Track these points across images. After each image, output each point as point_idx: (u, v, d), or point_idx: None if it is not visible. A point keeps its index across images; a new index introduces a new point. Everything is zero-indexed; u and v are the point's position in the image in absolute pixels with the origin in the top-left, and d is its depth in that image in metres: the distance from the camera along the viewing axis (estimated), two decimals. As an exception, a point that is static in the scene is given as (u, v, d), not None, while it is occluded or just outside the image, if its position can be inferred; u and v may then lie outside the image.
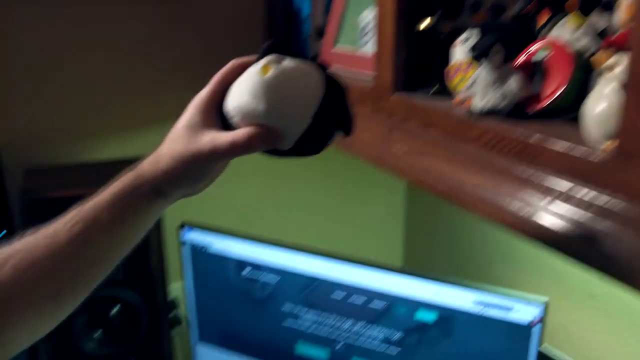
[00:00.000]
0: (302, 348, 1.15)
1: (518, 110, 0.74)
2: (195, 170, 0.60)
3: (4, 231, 1.10)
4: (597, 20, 0.72)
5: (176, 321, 1.39)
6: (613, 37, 0.69)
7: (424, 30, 0.89)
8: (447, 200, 0.76)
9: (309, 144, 0.60)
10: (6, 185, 1.08)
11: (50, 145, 1.26)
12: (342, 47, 1.16)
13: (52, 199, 1.01)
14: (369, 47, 1.08)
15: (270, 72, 0.56)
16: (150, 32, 1.28)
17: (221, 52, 1.35)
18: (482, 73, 0.75)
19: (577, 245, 0.60)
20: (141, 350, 1.16)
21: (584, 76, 0.72)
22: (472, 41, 0.80)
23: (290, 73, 0.57)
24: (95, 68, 1.26)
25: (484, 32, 0.76)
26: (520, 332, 0.93)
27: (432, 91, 0.89)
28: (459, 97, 0.84)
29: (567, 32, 0.76)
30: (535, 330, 0.92)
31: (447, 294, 0.98)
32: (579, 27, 0.75)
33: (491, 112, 0.74)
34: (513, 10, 0.82)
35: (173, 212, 0.91)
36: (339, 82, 0.61)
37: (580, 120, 0.65)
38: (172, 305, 1.38)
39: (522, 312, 0.93)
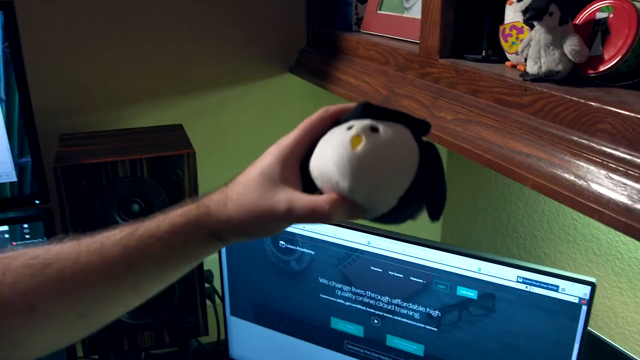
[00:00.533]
0: (337, 323, 1.12)
1: (575, 75, 0.69)
2: (264, 226, 0.56)
3: (38, 199, 1.10)
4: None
5: (210, 293, 1.37)
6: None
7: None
8: (496, 170, 0.71)
9: (392, 219, 0.55)
10: (41, 152, 1.07)
11: (86, 112, 1.26)
12: (386, 11, 1.11)
13: (84, 166, 0.99)
14: (414, 11, 1.03)
15: (361, 147, 0.50)
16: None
17: (262, 21, 1.31)
18: (536, 35, 0.70)
19: (635, 220, 0.55)
20: (174, 322, 1.14)
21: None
22: (527, 2, 0.74)
23: (382, 149, 0.51)
24: (133, 36, 1.24)
25: (538, -8, 0.71)
26: (567, 312, 0.88)
27: (481, 55, 0.83)
28: (512, 60, 0.79)
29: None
30: (584, 310, 0.87)
31: (490, 271, 0.93)
32: (645, -16, 0.69)
33: (546, 77, 0.69)
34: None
35: (208, 181, 0.89)
36: (436, 155, 0.54)
37: (645, 84, 0.59)
38: (206, 277, 1.37)
39: (570, 291, 0.88)
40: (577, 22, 0.71)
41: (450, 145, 0.79)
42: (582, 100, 0.62)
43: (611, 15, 0.68)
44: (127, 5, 1.22)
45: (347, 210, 0.52)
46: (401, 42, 1.03)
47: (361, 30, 1.17)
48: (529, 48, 0.71)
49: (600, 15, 0.69)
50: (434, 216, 0.54)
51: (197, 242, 0.56)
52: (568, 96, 0.64)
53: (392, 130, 0.52)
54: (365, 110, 0.54)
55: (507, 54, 0.79)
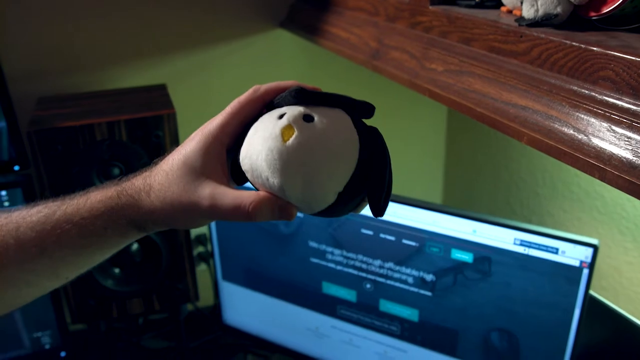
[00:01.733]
0: (329, 288, 1.08)
1: (575, 18, 0.63)
2: (187, 220, 0.52)
3: (17, 165, 1.05)
4: None
5: (205, 257, 1.34)
6: None
7: None
8: (488, 125, 0.66)
9: (330, 215, 0.49)
10: (17, 116, 1.02)
11: (67, 74, 1.20)
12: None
13: (60, 129, 0.94)
14: (405, -44, 0.96)
15: (292, 140, 0.45)
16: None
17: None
18: (533, -26, 0.63)
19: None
20: (163, 288, 1.11)
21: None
22: (523, -63, 0.68)
23: (316, 142, 0.46)
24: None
25: None
26: (567, 276, 0.84)
27: (475, 1, 0.77)
28: (507, 5, 0.72)
29: None
30: (585, 274, 0.83)
31: (486, 233, 0.88)
32: None
33: (544, 21, 0.63)
34: None
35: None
36: (380, 143, 0.49)
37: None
38: (201, 241, 1.34)
39: (570, 254, 0.83)
40: (578, -41, 0.64)
41: (441, 98, 0.73)
42: (582, 46, 0.56)
43: (616, -49, 0.61)
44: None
45: (276, 210, 0.48)
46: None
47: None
48: (526, -10, 0.65)
49: (604, -50, 0.62)
50: (376, 212, 0.48)
51: (116, 231, 0.53)
52: (567, 41, 0.58)
53: (328, 119, 0.47)
54: (298, 96, 0.48)
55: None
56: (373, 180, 0.48)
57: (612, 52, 0.53)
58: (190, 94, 1.26)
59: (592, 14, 0.62)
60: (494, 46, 0.68)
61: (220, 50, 1.28)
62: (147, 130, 0.97)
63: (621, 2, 0.59)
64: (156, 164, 0.53)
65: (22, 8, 1.12)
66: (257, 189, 0.49)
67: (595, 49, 0.55)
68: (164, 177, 0.51)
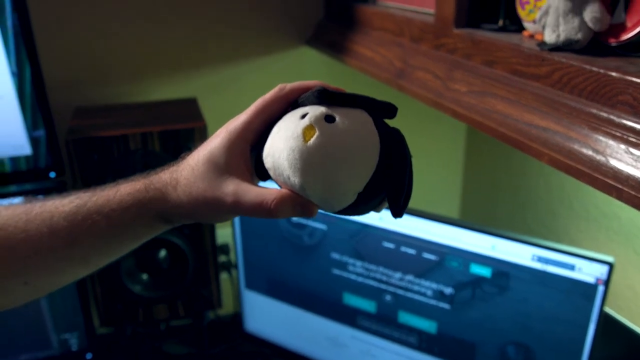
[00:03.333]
0: (349, 299, 1.11)
1: (596, 44, 0.66)
2: (212, 215, 0.54)
3: (54, 172, 1.09)
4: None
5: (227, 266, 1.37)
6: None
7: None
8: (510, 144, 0.69)
9: (351, 214, 0.51)
10: (55, 125, 1.06)
11: (102, 85, 1.25)
12: (402, -19, 1.07)
13: (96, 139, 0.99)
14: (431, -20, 0.99)
15: (313, 140, 0.46)
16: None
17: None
18: (555, 1, 0.66)
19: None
20: (188, 294, 1.14)
21: (676, 5, 0.63)
22: (546, -34, 0.71)
23: (337, 142, 0.46)
24: (147, 7, 1.22)
25: (560, -45, 0.67)
26: (583, 292, 0.86)
27: (498, 25, 0.80)
28: (529, 29, 0.75)
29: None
30: (600, 291, 0.85)
31: (505, 248, 0.91)
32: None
33: (565, 46, 0.66)
34: None
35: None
36: (401, 144, 0.50)
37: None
38: (223, 250, 1.37)
39: (586, 270, 0.85)
40: (599, -12, 0.67)
41: (464, 118, 0.76)
42: (602, 71, 0.59)
43: (635, -19, 0.64)
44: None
45: (297, 207, 0.49)
46: (417, 13, 1.00)
47: (378, 2, 1.14)
48: (547, 16, 0.68)
49: (623, -20, 0.65)
50: (396, 213, 0.49)
51: (144, 223, 0.55)
52: (587, 66, 0.61)
53: (350, 119, 0.48)
54: (321, 96, 0.49)
55: (524, 22, 0.76)
56: (393, 181, 0.48)
57: (631, 78, 0.56)
58: (219, 107, 1.29)
59: (612, 40, 0.65)
60: (517, 69, 0.71)
61: (248, 66, 1.32)
62: (179, 141, 1.01)
63: (637, 32, 0.62)
64: (183, 158, 0.55)
65: (62, 21, 1.17)
66: (279, 186, 0.50)
67: (614, 74, 0.58)
68: (190, 172, 0.53)
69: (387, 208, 0.51)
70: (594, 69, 0.60)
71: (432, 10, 0.90)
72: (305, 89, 0.53)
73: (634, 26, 0.63)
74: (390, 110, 0.52)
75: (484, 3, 0.83)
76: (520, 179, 1.36)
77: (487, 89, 0.75)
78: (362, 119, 0.49)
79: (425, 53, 0.90)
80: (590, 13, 0.64)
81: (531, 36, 0.75)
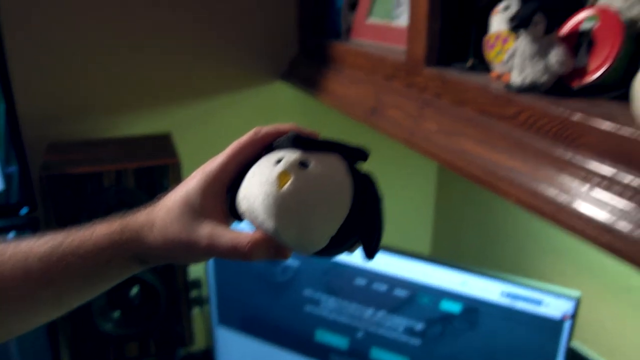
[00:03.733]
0: (322, 335, 1.11)
1: (560, 86, 0.67)
2: (187, 256, 0.54)
3: (26, 207, 1.08)
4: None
5: (199, 302, 1.36)
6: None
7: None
8: (479, 184, 0.70)
9: (324, 256, 0.51)
10: (28, 160, 1.06)
11: (75, 120, 1.24)
12: (375, 20, 1.10)
13: (70, 175, 0.98)
14: (402, 19, 1.02)
15: (287, 186, 0.47)
16: (184, 8, 1.24)
17: (253, 29, 1.30)
18: (521, 45, 0.68)
19: (617, 238, 0.53)
20: (160, 331, 1.13)
21: (634, 49, 0.65)
22: (512, 10, 0.73)
23: (311, 188, 0.48)
24: (121, 43, 1.22)
25: (524, 0, 0.69)
26: (550, 328, 0.87)
27: (467, 65, 0.82)
28: (497, 70, 0.77)
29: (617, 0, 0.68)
30: (566, 326, 0.86)
31: (474, 285, 0.92)
32: (633, -6, 0.67)
33: (531, 88, 0.68)
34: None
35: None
36: (373, 188, 0.51)
37: (629, 98, 0.58)
38: (195, 285, 1.36)
39: (553, 306, 0.86)
40: (562, 31, 0.69)
41: (435, 157, 0.77)
42: (565, 113, 0.61)
43: (596, 26, 0.66)
44: (115, 13, 1.20)
45: (271, 251, 0.50)
46: (390, 50, 1.02)
47: (351, 39, 1.16)
48: (514, 58, 0.69)
49: (585, 25, 0.68)
50: (369, 254, 0.50)
51: (120, 264, 0.55)
52: (552, 108, 0.63)
53: (323, 165, 0.49)
54: (295, 141, 0.51)
55: (491, 64, 0.77)
56: (365, 225, 0.50)
57: (593, 120, 0.58)
58: (194, 142, 1.29)
59: (576, 83, 0.67)
60: (485, 109, 0.73)
61: (223, 101, 1.33)
62: (153, 178, 1.01)
63: (602, 73, 0.64)
64: (159, 200, 0.55)
65: (36, 56, 1.17)
66: (255, 228, 0.51)
67: (577, 116, 0.60)
68: (165, 214, 0.53)
69: (359, 249, 0.51)
70: (558, 111, 0.62)
71: (404, 48, 0.92)
72: (279, 133, 0.54)
73: (596, 69, 0.65)
74: (362, 154, 0.53)
75: (454, 43, 0.85)
76: (489, 216, 1.37)
77: (457, 128, 0.76)
78: (335, 164, 0.50)
79: (397, 91, 0.91)
80: (555, 57, 0.66)
81: (499, 77, 0.77)
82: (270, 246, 0.50)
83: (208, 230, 0.51)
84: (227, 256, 0.51)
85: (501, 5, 0.75)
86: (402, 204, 1.56)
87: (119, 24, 1.21)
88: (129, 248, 0.54)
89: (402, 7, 1.02)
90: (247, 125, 1.36)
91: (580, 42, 0.67)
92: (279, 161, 0.49)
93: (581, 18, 0.68)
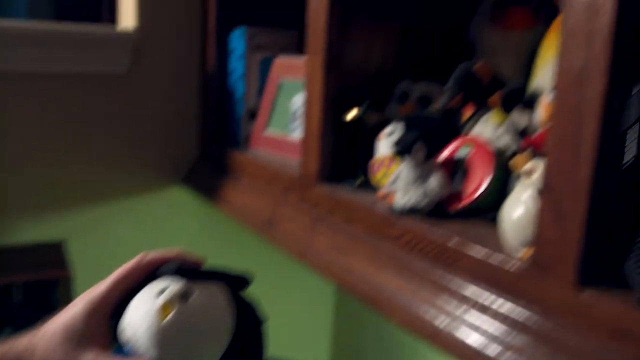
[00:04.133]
0: None
1: (439, 209, 0.72)
2: None
3: None
4: (519, 118, 0.71)
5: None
6: (532, 137, 0.68)
7: (350, 120, 0.87)
8: (367, 303, 0.72)
9: None
10: None
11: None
12: (273, 131, 1.13)
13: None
14: (298, 133, 1.05)
15: (169, 318, 0.49)
16: (79, 111, 1.23)
17: (154, 133, 1.30)
18: (404, 169, 0.73)
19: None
20: None
21: (504, 176, 0.71)
22: (396, 135, 0.78)
23: (192, 319, 0.50)
24: (14, 144, 1.19)
25: (407, 128, 0.74)
26: None
27: (356, 183, 0.86)
28: (382, 191, 0.81)
29: (489, 128, 0.75)
30: None
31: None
32: (500, 124, 0.74)
33: (412, 211, 0.72)
34: (439, 103, 0.80)
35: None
36: (255, 315, 0.54)
37: (500, 223, 0.62)
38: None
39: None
40: (441, 158, 0.74)
41: (326, 274, 0.79)
42: (444, 237, 0.65)
43: (470, 154, 0.72)
44: (5, 115, 1.17)
45: None
46: (286, 163, 1.05)
47: (250, 148, 1.18)
48: (397, 182, 0.73)
49: (461, 152, 0.73)
50: None
51: None
52: (432, 231, 0.66)
53: (205, 295, 0.51)
54: (179, 271, 0.52)
55: (378, 186, 0.81)
56: (248, 350, 0.52)
57: (468, 247, 0.62)
58: (90, 249, 1.26)
59: (453, 207, 0.71)
60: (372, 229, 0.76)
61: (121, 206, 1.31)
62: (43, 292, 0.98)
63: (476, 198, 0.69)
64: (42, 325, 0.54)
65: None
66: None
67: (454, 241, 0.63)
68: (48, 340, 0.52)
69: None
70: (437, 235, 0.66)
71: (299, 161, 0.95)
72: (165, 260, 0.55)
73: (471, 195, 0.69)
74: (245, 281, 0.55)
75: (345, 161, 0.89)
76: (389, 332, 1.39)
77: (347, 246, 0.79)
78: (217, 293, 0.52)
79: (292, 205, 0.94)
80: (434, 182, 0.70)
81: (384, 197, 0.81)
82: None
83: (91, 357, 0.51)
84: None
85: (386, 131, 0.80)
86: (300, 318, 1.55)
87: (8, 127, 1.18)
88: None
89: (297, 122, 1.07)
90: (145, 232, 1.35)
91: (457, 168, 0.72)
92: (162, 291, 0.51)
93: (457, 146, 0.74)
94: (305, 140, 0.90)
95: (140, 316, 0.50)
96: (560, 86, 0.51)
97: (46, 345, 0.52)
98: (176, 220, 1.37)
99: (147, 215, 1.33)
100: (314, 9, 0.86)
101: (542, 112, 0.69)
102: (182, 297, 0.50)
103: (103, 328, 0.53)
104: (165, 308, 0.49)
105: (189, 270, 0.53)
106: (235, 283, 0.54)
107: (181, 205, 1.36)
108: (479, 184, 0.69)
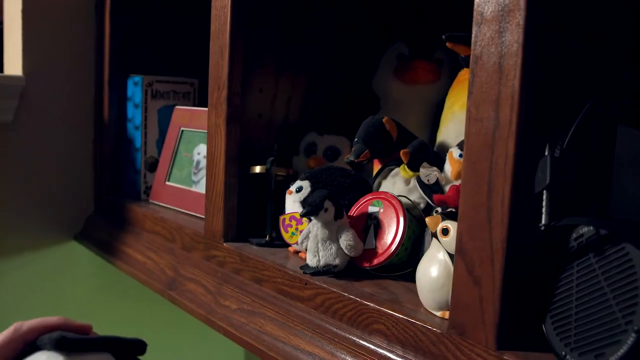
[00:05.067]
0: None
1: (353, 267, 0.70)
2: None
3: None
4: (427, 173, 0.71)
5: None
6: (443, 194, 0.68)
7: (257, 174, 0.84)
8: (280, 369, 0.68)
9: None
10: None
11: None
12: (174, 183, 1.08)
13: None
14: (201, 185, 1.02)
15: None
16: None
17: (46, 184, 1.22)
18: (314, 229, 0.70)
19: None
20: None
21: (417, 231, 0.70)
22: (305, 193, 0.76)
23: None
24: None
25: (314, 186, 0.72)
26: None
27: (265, 240, 0.83)
28: (293, 247, 0.79)
29: (399, 184, 0.74)
30: None
31: None
32: (410, 178, 0.73)
33: (324, 271, 0.69)
34: (347, 158, 0.79)
35: None
36: None
37: (416, 282, 0.61)
38: None
39: None
40: (352, 214, 0.73)
41: (235, 338, 0.75)
42: (358, 299, 0.63)
43: (381, 210, 0.71)
44: None
45: None
46: (189, 216, 1.00)
47: (150, 201, 1.13)
48: (308, 240, 0.71)
49: (372, 209, 0.72)
50: None
51: None
52: (345, 293, 0.64)
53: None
54: (59, 345, 0.49)
55: (288, 242, 0.79)
56: None
57: (383, 308, 0.60)
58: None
59: (366, 265, 0.69)
60: (283, 289, 0.73)
61: (12, 262, 1.21)
62: None
63: (389, 256, 0.68)
64: None
65: None
66: None
67: (369, 303, 0.62)
68: None
69: None
70: (351, 296, 0.64)
71: (203, 216, 0.91)
72: (45, 329, 0.52)
73: (384, 252, 0.68)
74: (140, 347, 0.52)
75: (252, 217, 0.86)
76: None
77: (256, 307, 0.75)
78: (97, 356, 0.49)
79: (196, 263, 0.89)
80: (345, 241, 0.68)
81: (296, 252, 0.78)
82: None
83: None
84: None
85: (294, 187, 0.77)
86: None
87: None
88: None
89: (200, 173, 1.03)
90: (38, 290, 1.25)
91: (368, 225, 0.71)
92: None
93: (367, 202, 0.72)
94: (209, 196, 0.86)
95: None
96: (471, 150, 0.51)
97: None
98: (72, 277, 1.28)
99: (40, 272, 1.24)
100: (214, 59, 0.84)
101: (450, 167, 0.69)
102: None
103: None
104: None
105: (72, 341, 0.49)
106: (126, 352, 0.51)
107: (77, 261, 1.28)
108: (392, 240, 0.68)
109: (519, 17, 0.47)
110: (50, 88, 1.19)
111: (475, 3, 0.50)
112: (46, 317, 0.53)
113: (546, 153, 0.49)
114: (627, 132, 0.59)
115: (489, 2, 0.49)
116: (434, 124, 0.85)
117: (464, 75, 0.77)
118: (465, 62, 0.75)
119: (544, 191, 0.49)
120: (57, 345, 0.49)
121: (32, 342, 0.51)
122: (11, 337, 0.51)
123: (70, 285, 1.27)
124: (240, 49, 0.83)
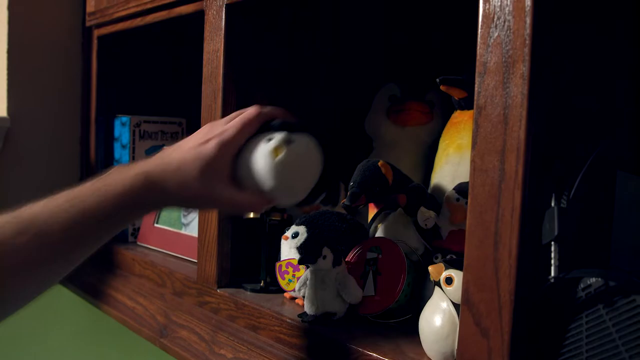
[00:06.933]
0: None
1: (353, 315, 0.69)
2: (204, 208, 0.80)
3: None
4: (425, 217, 0.70)
5: None
6: (443, 239, 0.68)
7: (252, 218, 0.83)
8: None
9: (298, 206, 0.68)
10: None
11: None
12: (163, 225, 1.07)
13: None
14: (192, 228, 1.00)
15: (280, 156, 0.61)
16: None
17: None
18: (312, 276, 0.69)
19: None
20: None
21: (418, 277, 0.69)
22: (301, 238, 0.75)
23: (296, 156, 0.63)
24: None
25: (311, 233, 0.71)
26: None
27: (260, 286, 0.81)
28: (290, 293, 0.77)
29: (397, 229, 0.73)
30: None
31: None
32: (408, 223, 0.73)
33: (324, 318, 0.68)
34: (343, 203, 0.78)
35: None
36: (335, 157, 0.67)
37: (420, 332, 0.60)
38: None
39: None
40: (349, 260, 0.72)
41: (232, 389, 0.73)
42: (360, 349, 0.62)
43: (380, 256, 0.70)
44: None
45: (266, 205, 0.64)
46: (179, 260, 0.99)
47: (138, 243, 1.11)
48: (306, 287, 0.70)
49: (370, 254, 0.71)
50: (332, 203, 0.69)
51: (137, 215, 0.62)
52: (347, 343, 0.63)
53: (302, 142, 0.64)
54: (282, 126, 0.65)
55: (285, 290, 0.77)
56: (330, 183, 0.67)
57: (389, 356, 0.59)
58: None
59: (366, 312, 0.68)
60: (280, 338, 0.71)
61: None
62: None
63: (389, 303, 0.67)
64: (169, 150, 0.63)
65: None
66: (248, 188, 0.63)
67: (372, 353, 0.60)
68: (181, 175, 0.60)
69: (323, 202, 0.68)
70: (352, 345, 0.62)
71: (195, 259, 0.89)
72: (275, 115, 0.66)
73: (384, 300, 0.67)
74: (324, 136, 0.66)
75: (246, 263, 0.85)
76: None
77: (252, 356, 0.73)
78: (309, 141, 0.65)
79: (189, 310, 0.87)
80: (344, 289, 0.67)
81: (292, 299, 0.77)
82: (267, 201, 0.63)
83: (229, 193, 0.62)
84: (241, 214, 0.80)
85: (290, 232, 0.76)
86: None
87: None
88: (149, 201, 0.60)
89: (191, 215, 1.01)
90: (24, 335, 1.21)
91: (367, 270, 0.70)
92: (270, 139, 0.63)
93: (365, 248, 0.72)
94: (201, 240, 0.85)
95: (257, 155, 0.62)
96: (476, 200, 0.51)
97: (180, 179, 0.60)
98: (57, 320, 1.25)
99: (25, 316, 1.20)
100: (207, 102, 0.83)
101: (448, 211, 0.69)
102: (287, 142, 0.62)
103: (230, 167, 0.62)
104: (277, 149, 0.61)
105: (289, 124, 0.65)
106: (319, 134, 0.66)
107: (64, 305, 1.25)
108: (392, 287, 0.67)
109: (523, 69, 0.47)
110: (35, 129, 1.18)
111: (478, 54, 0.50)
112: (272, 108, 0.66)
113: (552, 204, 0.49)
114: (627, 177, 0.59)
115: (492, 53, 0.49)
116: (428, 165, 0.85)
117: (457, 117, 0.77)
118: (458, 105, 0.75)
119: (552, 243, 0.48)
120: (281, 126, 0.64)
121: (265, 123, 0.65)
122: (256, 117, 0.64)
123: (56, 326, 1.24)
124: (232, 92, 0.82)
